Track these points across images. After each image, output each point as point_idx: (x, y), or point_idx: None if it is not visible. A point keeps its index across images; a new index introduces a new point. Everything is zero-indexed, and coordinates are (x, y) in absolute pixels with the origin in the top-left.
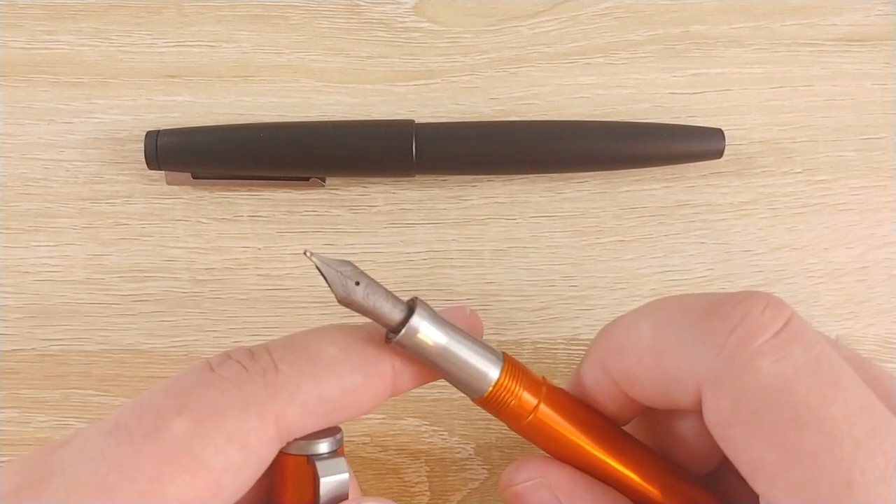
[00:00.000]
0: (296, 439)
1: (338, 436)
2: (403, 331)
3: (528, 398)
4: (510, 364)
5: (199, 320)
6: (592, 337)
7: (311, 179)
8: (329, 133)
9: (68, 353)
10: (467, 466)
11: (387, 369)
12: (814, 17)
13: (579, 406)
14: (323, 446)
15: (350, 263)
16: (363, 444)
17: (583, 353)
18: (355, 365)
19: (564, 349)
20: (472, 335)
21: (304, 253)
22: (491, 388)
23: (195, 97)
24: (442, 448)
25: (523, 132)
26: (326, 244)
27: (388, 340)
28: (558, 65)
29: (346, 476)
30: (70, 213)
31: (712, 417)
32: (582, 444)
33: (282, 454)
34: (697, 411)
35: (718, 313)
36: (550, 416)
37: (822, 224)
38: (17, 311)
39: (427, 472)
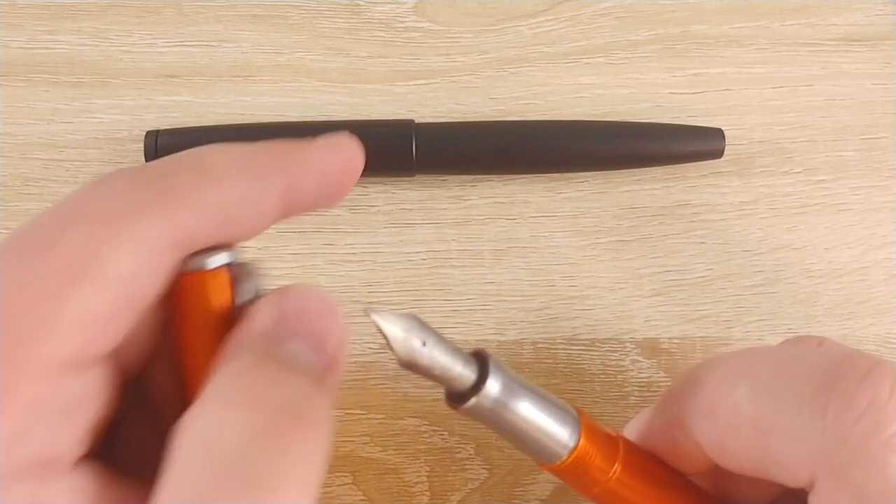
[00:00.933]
0: (190, 256)
1: (233, 250)
2: (474, 400)
3: (605, 463)
4: (587, 425)
5: None
6: (592, 337)
7: None
8: (329, 133)
9: None
10: (467, 466)
11: (280, 181)
12: (814, 17)
13: (657, 465)
14: (226, 255)
15: (415, 318)
16: (363, 444)
17: (583, 353)
18: (248, 173)
19: (564, 349)
20: (545, 393)
21: (366, 312)
22: (568, 456)
23: (195, 97)
24: (442, 448)
25: (523, 132)
26: (326, 244)
27: (452, 405)
28: (558, 65)
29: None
30: None
31: None
32: None
33: (187, 273)
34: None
35: (840, 394)
36: (629, 483)
37: (822, 224)
38: None
39: (427, 472)
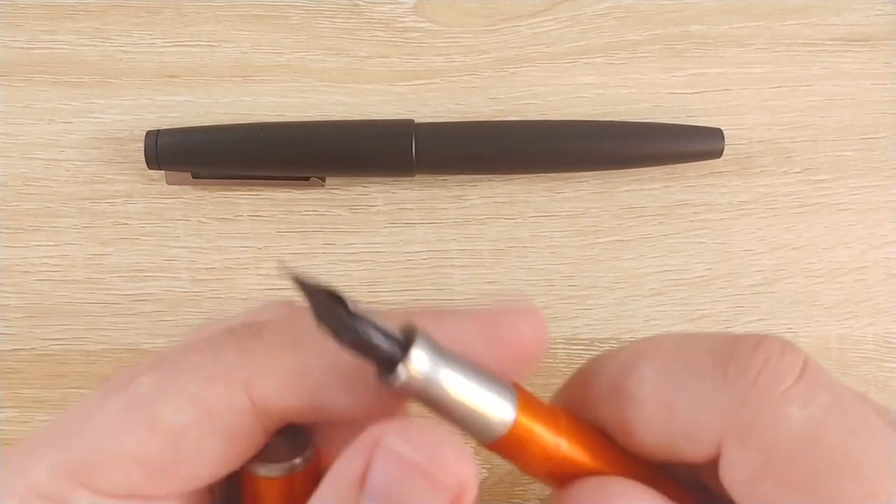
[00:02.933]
0: (261, 459)
1: (307, 453)
2: (401, 370)
3: (548, 436)
4: (525, 399)
5: (199, 320)
6: (592, 337)
7: (311, 179)
8: (329, 133)
9: (68, 352)
10: None
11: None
12: (814, 17)
13: (602, 437)
14: (291, 463)
15: (334, 289)
16: None
17: (583, 353)
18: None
19: (564, 349)
20: (479, 367)
21: (282, 267)
22: (506, 432)
23: (195, 97)
24: None
25: (523, 132)
26: (326, 244)
27: (380, 380)
28: (558, 65)
29: None
30: (70, 212)
31: (738, 474)
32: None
33: (252, 475)
34: (701, 467)
35: (736, 359)
36: (576, 455)
37: (822, 224)
38: (17, 310)
39: None
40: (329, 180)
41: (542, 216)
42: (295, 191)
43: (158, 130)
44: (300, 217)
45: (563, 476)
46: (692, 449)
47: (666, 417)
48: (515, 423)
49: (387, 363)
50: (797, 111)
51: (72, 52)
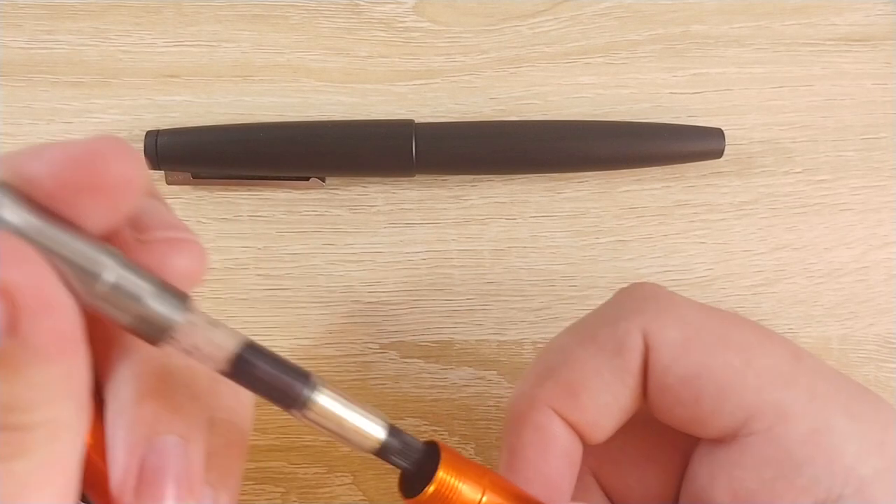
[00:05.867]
0: None
1: None
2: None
3: (471, 492)
4: (448, 454)
5: None
6: None
7: (311, 179)
8: (329, 133)
9: None
10: None
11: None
12: (814, 17)
13: (526, 497)
14: None
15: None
16: None
17: None
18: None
19: None
20: (93, 236)
21: None
22: (429, 486)
23: (195, 97)
24: None
25: (523, 132)
26: (326, 244)
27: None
28: (558, 65)
29: None
30: None
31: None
32: None
33: None
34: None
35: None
36: None
37: (822, 224)
38: None
39: None
40: (329, 180)
41: (542, 216)
42: (295, 191)
43: (158, 130)
44: (300, 217)
45: None
46: (630, 357)
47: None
48: (436, 479)
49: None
50: (798, 111)
51: (72, 52)
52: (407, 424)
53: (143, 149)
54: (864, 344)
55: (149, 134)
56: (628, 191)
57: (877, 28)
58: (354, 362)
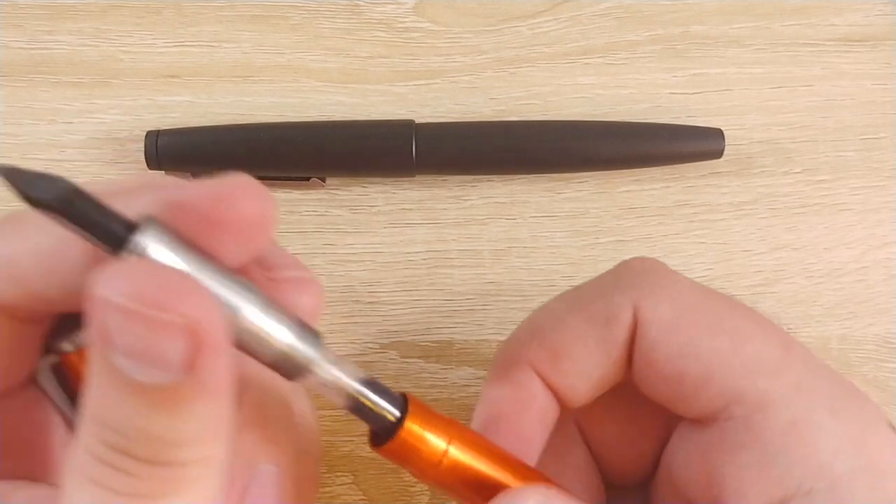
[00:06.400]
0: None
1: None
2: (130, 247)
3: (438, 442)
4: (416, 405)
5: None
6: None
7: (311, 179)
8: (329, 133)
9: None
10: None
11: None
12: (814, 18)
13: (493, 446)
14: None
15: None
16: (363, 443)
17: None
18: (46, 227)
19: None
20: (236, 272)
21: None
22: (397, 435)
23: (195, 97)
24: None
25: (523, 132)
26: (326, 244)
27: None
28: (558, 65)
29: None
30: None
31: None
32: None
33: (65, 356)
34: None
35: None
36: (465, 462)
37: (822, 224)
38: None
39: None
40: (329, 180)
41: (542, 216)
42: (295, 191)
43: (159, 131)
44: (300, 217)
45: (456, 485)
46: (616, 335)
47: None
48: (403, 428)
49: (116, 246)
50: (797, 111)
51: (72, 52)
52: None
53: (143, 149)
54: (863, 344)
55: (149, 134)
56: (628, 191)
57: (876, 28)
58: (354, 362)
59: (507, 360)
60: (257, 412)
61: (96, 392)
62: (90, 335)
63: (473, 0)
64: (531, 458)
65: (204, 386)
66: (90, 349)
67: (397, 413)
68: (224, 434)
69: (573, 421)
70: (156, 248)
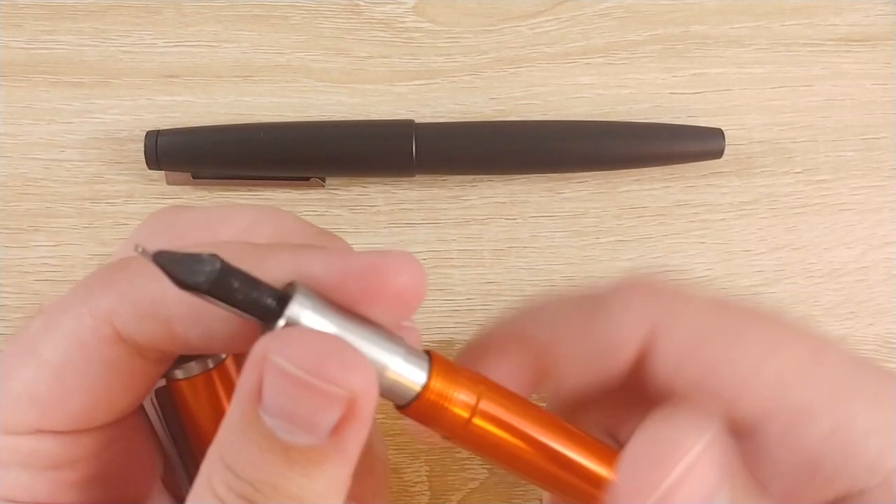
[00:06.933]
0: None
1: (220, 357)
2: (281, 322)
3: (466, 400)
4: (440, 362)
5: None
6: None
7: (311, 179)
8: (329, 133)
9: None
10: (467, 466)
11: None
12: (814, 17)
13: (524, 402)
14: (197, 364)
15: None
16: None
17: None
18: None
19: None
20: (380, 325)
21: (136, 249)
22: (420, 392)
23: (195, 97)
24: (442, 448)
25: (523, 132)
26: None
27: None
28: (558, 65)
29: None
30: (70, 213)
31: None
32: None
33: (173, 383)
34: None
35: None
36: (497, 419)
37: (822, 224)
38: (17, 311)
39: (427, 472)
40: (329, 180)
41: (542, 216)
42: (295, 191)
43: (158, 131)
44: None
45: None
46: (621, 347)
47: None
48: (428, 387)
49: (267, 317)
50: (797, 111)
51: (72, 52)
52: (407, 424)
53: (143, 149)
54: (863, 344)
55: (149, 134)
56: (628, 191)
57: (877, 28)
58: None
59: (497, 333)
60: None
61: (232, 439)
62: (241, 388)
63: (473, 0)
64: None
65: (344, 450)
66: (234, 398)
67: (424, 378)
68: (345, 492)
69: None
70: (308, 316)
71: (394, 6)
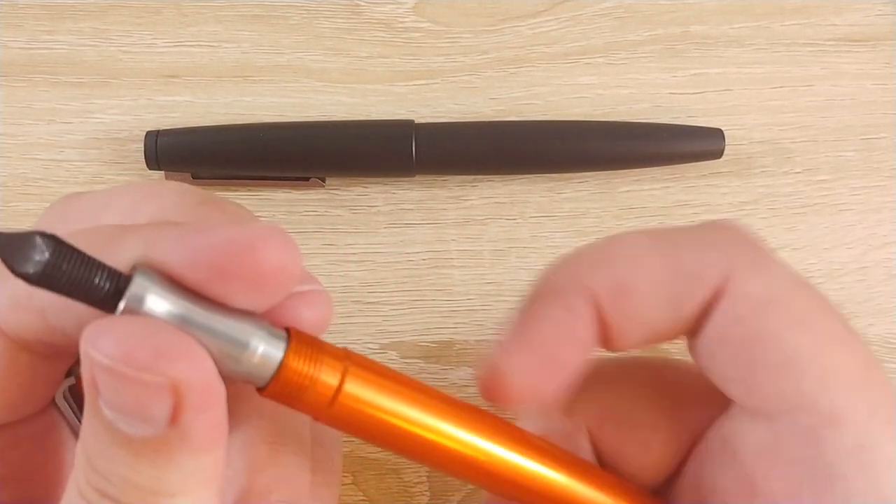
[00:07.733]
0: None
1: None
2: (121, 306)
3: (329, 377)
4: (298, 342)
5: None
6: None
7: (311, 179)
8: (329, 133)
9: None
10: None
11: None
12: (814, 17)
13: (397, 376)
14: None
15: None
16: (363, 444)
17: None
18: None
19: None
20: (233, 306)
21: None
22: (275, 373)
23: (195, 97)
24: None
25: (523, 132)
26: (326, 245)
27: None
28: (558, 65)
29: None
30: None
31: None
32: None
33: (78, 379)
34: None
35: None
36: (365, 396)
37: (822, 224)
38: None
39: (427, 472)
40: (329, 180)
41: (542, 216)
42: (295, 191)
43: (158, 131)
44: (300, 217)
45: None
46: (697, 294)
47: (667, 264)
48: (283, 365)
49: (107, 305)
50: (797, 111)
51: (72, 52)
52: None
53: (142, 149)
54: None
55: (149, 134)
56: (628, 191)
57: (877, 28)
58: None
59: (563, 280)
60: (273, 448)
61: (89, 433)
62: (83, 380)
63: (473, 0)
64: (559, 387)
65: (188, 439)
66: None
67: (279, 357)
68: (213, 483)
69: (584, 432)
70: (151, 300)
71: (394, 6)
